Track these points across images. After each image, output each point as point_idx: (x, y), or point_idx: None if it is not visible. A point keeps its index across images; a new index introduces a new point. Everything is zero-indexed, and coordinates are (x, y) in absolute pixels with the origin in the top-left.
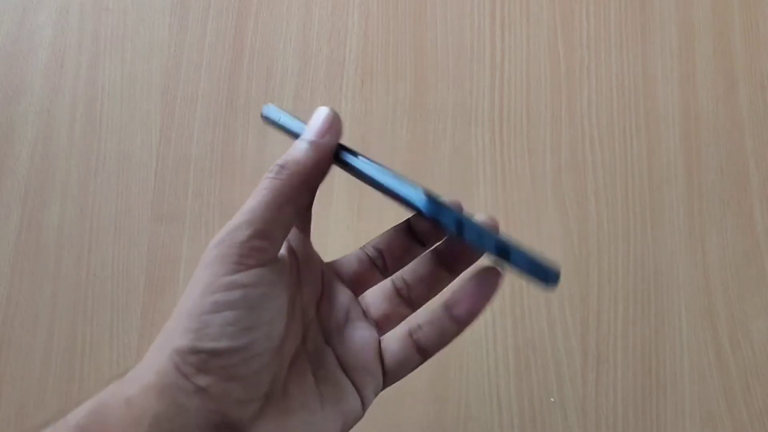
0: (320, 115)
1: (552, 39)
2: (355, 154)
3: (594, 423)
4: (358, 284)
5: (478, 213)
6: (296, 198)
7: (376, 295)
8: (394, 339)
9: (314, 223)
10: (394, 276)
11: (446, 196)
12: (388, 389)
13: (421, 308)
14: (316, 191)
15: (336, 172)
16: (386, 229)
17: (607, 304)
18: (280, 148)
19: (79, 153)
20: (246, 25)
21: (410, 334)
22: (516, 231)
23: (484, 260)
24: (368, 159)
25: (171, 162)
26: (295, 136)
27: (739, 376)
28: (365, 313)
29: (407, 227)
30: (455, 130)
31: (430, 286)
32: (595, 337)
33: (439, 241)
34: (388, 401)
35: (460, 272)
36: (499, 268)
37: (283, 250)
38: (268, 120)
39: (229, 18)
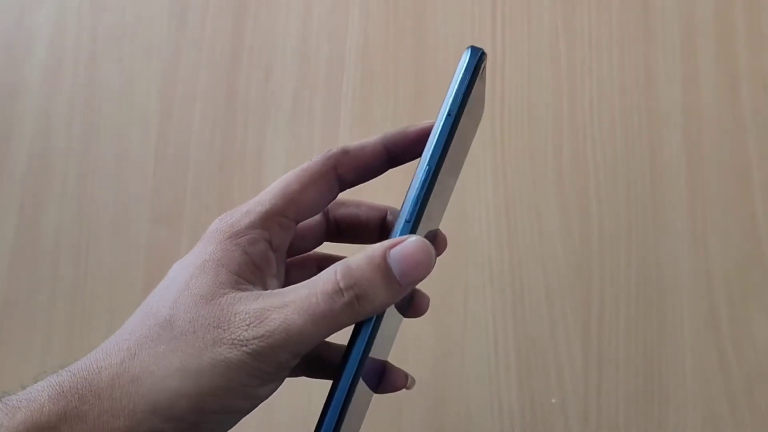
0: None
1: (553, 38)
2: None
3: (595, 425)
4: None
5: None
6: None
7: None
8: None
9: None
10: None
11: None
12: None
13: None
14: None
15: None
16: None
17: (608, 306)
18: (281, 148)
19: (76, 153)
20: (245, 25)
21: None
22: (516, 231)
23: None
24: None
25: (169, 162)
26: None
27: (741, 378)
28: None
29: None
30: None
31: None
32: (596, 339)
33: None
34: (388, 401)
35: None
36: None
37: None
38: None
39: (228, 17)
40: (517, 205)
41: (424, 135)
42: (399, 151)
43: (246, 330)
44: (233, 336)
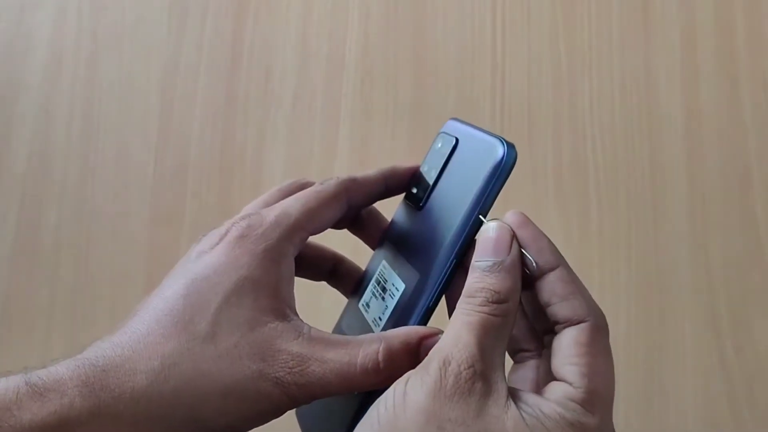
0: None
1: (553, 39)
2: None
3: None
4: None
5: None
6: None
7: None
8: None
9: None
10: None
11: None
12: None
13: None
14: None
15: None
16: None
17: (609, 306)
18: (280, 147)
19: (76, 153)
20: (245, 25)
21: None
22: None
23: None
24: None
25: (169, 162)
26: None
27: (742, 379)
28: None
29: None
30: None
31: None
32: None
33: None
34: None
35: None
36: None
37: None
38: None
39: (228, 17)
40: (517, 205)
41: (411, 172)
42: (393, 184)
43: (288, 374)
44: (276, 375)
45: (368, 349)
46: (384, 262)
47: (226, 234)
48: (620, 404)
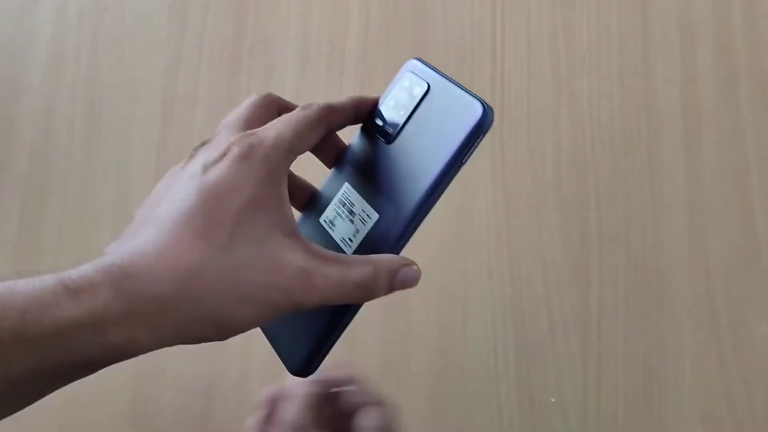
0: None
1: (553, 38)
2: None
3: (595, 424)
4: None
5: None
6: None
7: None
8: None
9: None
10: None
11: (447, 196)
12: (388, 389)
13: None
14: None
15: None
16: None
17: (607, 305)
18: None
19: (78, 154)
20: (245, 25)
21: None
22: (516, 231)
23: None
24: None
25: (171, 162)
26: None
27: (740, 377)
28: None
29: None
30: None
31: None
32: (595, 338)
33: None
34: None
35: None
36: None
37: None
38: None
39: (229, 17)
40: (517, 205)
41: (375, 101)
42: (360, 113)
43: (294, 281)
44: (285, 285)
45: (361, 269)
46: (347, 185)
47: (228, 151)
48: (619, 403)
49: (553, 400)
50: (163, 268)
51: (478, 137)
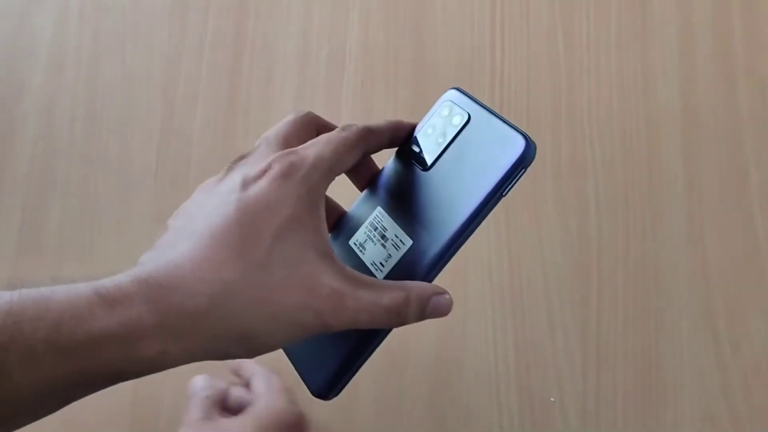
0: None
1: (552, 39)
2: None
3: (594, 423)
4: None
5: None
6: None
7: None
8: None
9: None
10: None
11: None
12: (388, 389)
13: None
14: None
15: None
16: None
17: (607, 304)
18: None
19: (79, 154)
20: (246, 25)
21: None
22: (516, 231)
23: None
24: None
25: (171, 162)
26: None
27: (738, 376)
28: None
29: None
30: None
31: None
32: (595, 337)
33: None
34: (388, 401)
35: None
36: None
37: None
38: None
39: (229, 18)
40: (516, 205)
41: (412, 129)
42: (397, 137)
43: (328, 306)
44: (317, 306)
45: (393, 294)
46: (380, 209)
47: (269, 168)
48: (618, 401)
49: (552, 399)
50: (198, 282)
51: (521, 171)
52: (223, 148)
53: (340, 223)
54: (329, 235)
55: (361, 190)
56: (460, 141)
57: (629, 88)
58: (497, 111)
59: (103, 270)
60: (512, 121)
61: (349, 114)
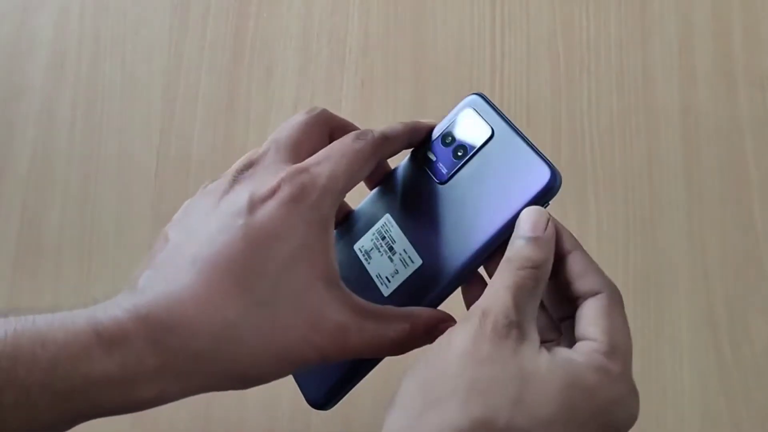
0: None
1: (552, 39)
2: None
3: None
4: None
5: None
6: None
7: None
8: None
9: None
10: None
11: None
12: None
13: None
14: None
15: None
16: None
17: None
18: None
19: (79, 154)
20: (246, 26)
21: None
22: None
23: None
24: None
25: (171, 163)
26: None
27: (739, 376)
28: None
29: None
30: None
31: None
32: None
33: None
34: (388, 401)
35: None
36: None
37: None
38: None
39: (229, 18)
40: None
41: (430, 130)
42: (414, 140)
43: (329, 338)
44: (320, 343)
45: (398, 326)
46: (388, 216)
47: (278, 188)
48: None
49: None
50: (201, 320)
51: (543, 204)
52: (223, 148)
53: (345, 223)
54: (335, 255)
55: (371, 189)
56: (481, 158)
57: (629, 87)
58: (519, 126)
59: (104, 270)
60: (536, 145)
61: (349, 114)
